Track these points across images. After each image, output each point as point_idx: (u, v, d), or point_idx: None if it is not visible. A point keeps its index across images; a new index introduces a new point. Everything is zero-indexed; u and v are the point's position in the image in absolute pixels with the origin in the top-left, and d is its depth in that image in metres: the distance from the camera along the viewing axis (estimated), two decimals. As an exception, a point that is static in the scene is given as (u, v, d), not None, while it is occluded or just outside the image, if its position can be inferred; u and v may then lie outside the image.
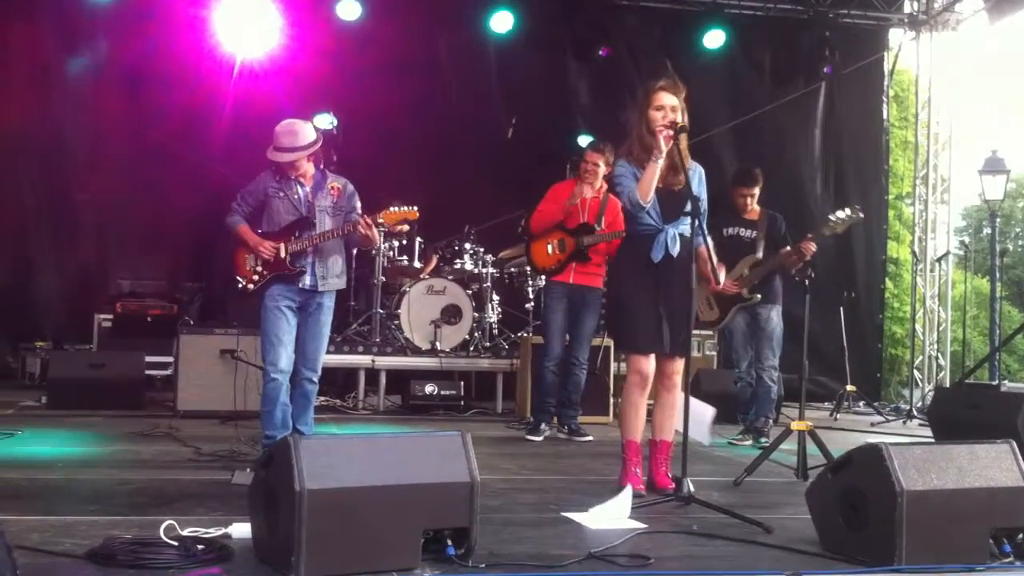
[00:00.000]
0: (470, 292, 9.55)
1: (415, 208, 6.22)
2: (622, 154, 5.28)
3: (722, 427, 7.85)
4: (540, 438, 7.43)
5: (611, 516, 4.38)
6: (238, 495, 4.26)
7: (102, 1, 10.21)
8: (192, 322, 8.43)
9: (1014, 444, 3.98)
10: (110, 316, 9.65)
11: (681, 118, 5.05)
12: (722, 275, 5.41)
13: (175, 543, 3.44)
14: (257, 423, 6.02)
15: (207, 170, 10.13)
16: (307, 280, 5.89)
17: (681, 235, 5.12)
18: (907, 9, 12.26)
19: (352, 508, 3.28)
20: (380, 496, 3.33)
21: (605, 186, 7.56)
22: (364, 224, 5.97)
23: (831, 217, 7.17)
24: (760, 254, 7.47)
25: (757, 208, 7.65)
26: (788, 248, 7.32)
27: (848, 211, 7.12)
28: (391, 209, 6.15)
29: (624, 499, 4.53)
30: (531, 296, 9.57)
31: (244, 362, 7.57)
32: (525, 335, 9.38)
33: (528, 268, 9.11)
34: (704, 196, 5.25)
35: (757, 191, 7.60)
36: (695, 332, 8.35)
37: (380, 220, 6.07)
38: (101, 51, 10.51)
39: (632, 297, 5.15)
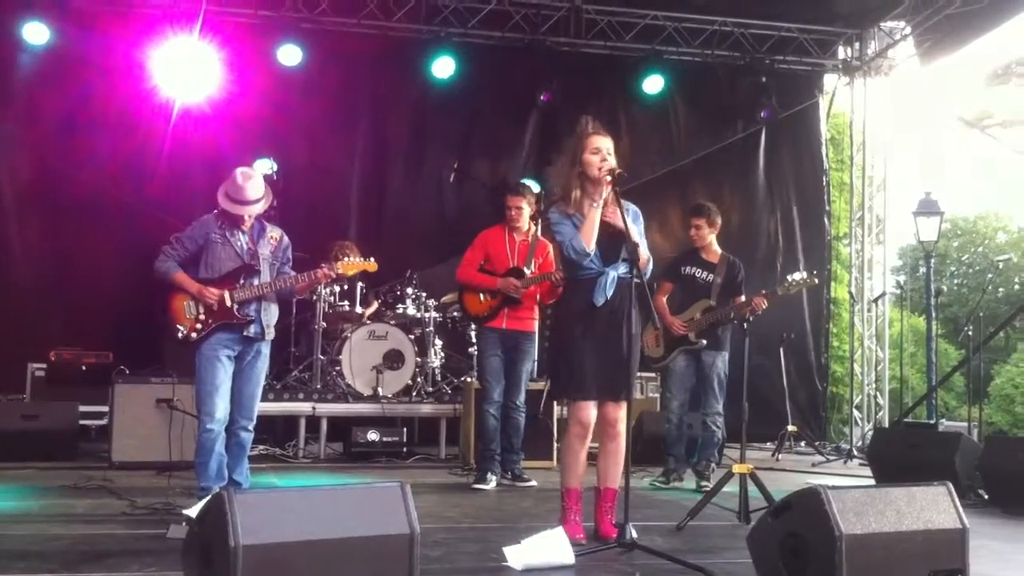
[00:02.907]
0: (412, 337, 9.50)
1: (372, 260, 6.29)
2: (554, 202, 5.28)
3: (653, 470, 7.84)
4: (488, 486, 7.29)
5: (541, 553, 4.37)
6: (173, 550, 4.16)
7: (38, 45, 10.07)
8: (127, 371, 8.27)
9: (951, 486, 4.02)
10: (43, 365, 9.43)
11: (614, 162, 5.09)
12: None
13: (106, 602, 3.35)
14: (193, 474, 5.91)
15: (144, 216, 10.01)
16: (253, 329, 5.84)
17: (620, 277, 5.14)
18: (841, 55, 12.52)
19: (288, 563, 3.22)
20: (317, 550, 3.27)
21: (533, 228, 7.58)
22: (323, 275, 5.98)
23: (788, 279, 7.32)
24: (714, 300, 7.52)
25: (718, 251, 7.70)
26: (742, 299, 7.40)
27: (804, 275, 7.26)
28: (349, 260, 6.16)
29: (555, 536, 4.51)
30: (474, 340, 9.54)
31: (181, 411, 7.44)
32: (468, 380, 9.32)
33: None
34: (642, 231, 5.24)
35: (703, 223, 7.63)
36: (641, 374, 8.45)
37: (340, 271, 6.08)
38: (37, 95, 10.36)
39: (575, 344, 5.10)
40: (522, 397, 7.47)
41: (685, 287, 7.63)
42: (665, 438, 7.71)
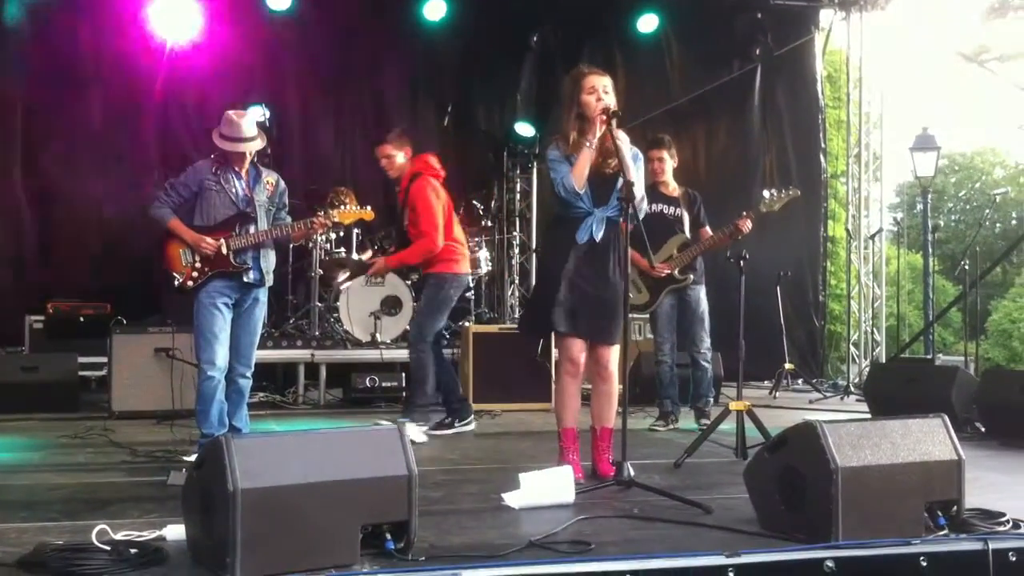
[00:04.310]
0: (410, 282, 9.49)
1: (369, 208, 6.24)
2: (554, 140, 5.25)
3: (651, 411, 7.84)
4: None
5: (540, 492, 4.41)
6: (174, 497, 4.17)
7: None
8: (125, 321, 8.27)
9: (946, 418, 4.03)
10: (41, 317, 9.44)
11: (611, 100, 5.03)
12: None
13: (107, 548, 3.37)
14: (194, 422, 5.94)
15: (138, 165, 9.97)
16: (252, 275, 5.81)
17: (608, 219, 5.11)
18: (837, -11, 12.39)
19: (288, 506, 3.23)
20: (316, 493, 3.28)
21: (410, 176, 7.08)
22: (320, 224, 5.95)
23: (765, 194, 7.20)
24: (688, 233, 7.44)
25: (677, 186, 7.54)
26: (707, 230, 7.33)
27: (780, 189, 7.18)
28: (346, 208, 6.13)
29: (559, 474, 4.55)
30: (471, 285, 9.53)
31: (180, 360, 7.45)
32: (466, 324, 9.35)
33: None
34: (642, 178, 5.22)
35: (665, 155, 7.39)
36: (636, 316, 8.43)
37: (336, 220, 6.06)
38: (27, 45, 10.24)
39: (561, 279, 5.05)
40: (429, 336, 7.06)
41: (652, 225, 7.31)
42: (660, 381, 7.58)
